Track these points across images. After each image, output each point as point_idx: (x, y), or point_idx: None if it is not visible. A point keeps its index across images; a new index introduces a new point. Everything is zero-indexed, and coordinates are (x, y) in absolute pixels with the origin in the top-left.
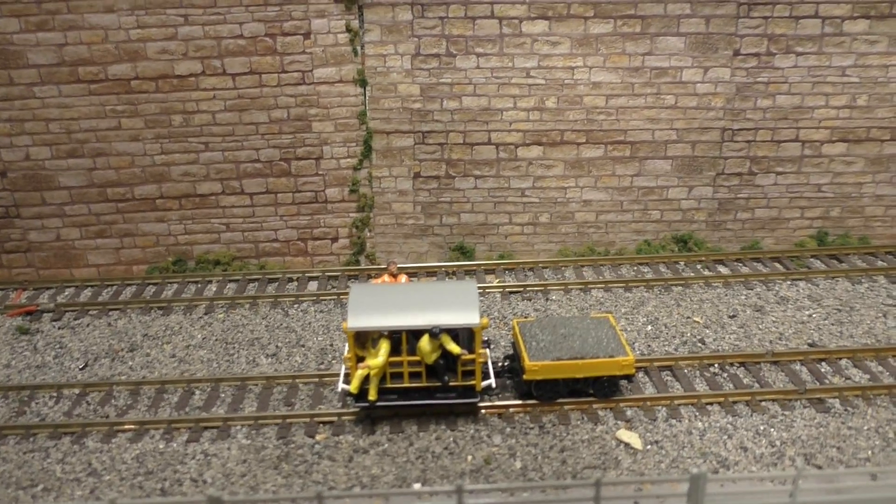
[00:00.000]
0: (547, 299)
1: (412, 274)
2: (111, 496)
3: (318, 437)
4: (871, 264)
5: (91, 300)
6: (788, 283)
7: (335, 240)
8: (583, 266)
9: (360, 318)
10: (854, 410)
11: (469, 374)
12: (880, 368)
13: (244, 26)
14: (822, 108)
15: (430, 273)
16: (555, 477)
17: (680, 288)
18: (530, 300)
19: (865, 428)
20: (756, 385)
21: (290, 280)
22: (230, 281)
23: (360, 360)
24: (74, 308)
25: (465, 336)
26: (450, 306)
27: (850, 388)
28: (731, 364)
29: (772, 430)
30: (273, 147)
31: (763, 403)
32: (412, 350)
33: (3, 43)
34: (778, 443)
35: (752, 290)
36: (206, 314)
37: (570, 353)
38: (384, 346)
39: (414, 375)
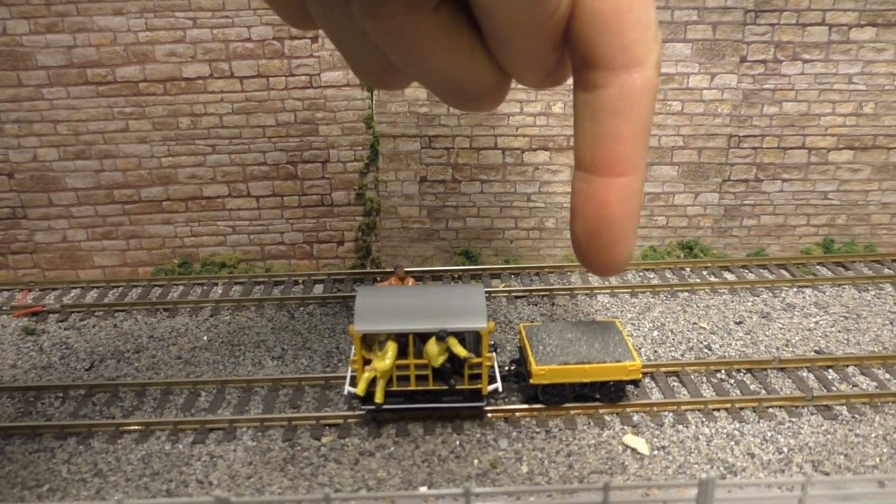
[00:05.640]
0: (553, 304)
1: (418, 278)
2: (117, 497)
3: (324, 440)
4: (878, 272)
5: (97, 301)
6: (795, 289)
7: (341, 243)
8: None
9: (367, 321)
10: (861, 418)
11: (476, 377)
12: (887, 376)
13: (252, 29)
14: (828, 116)
15: (436, 277)
16: (561, 481)
17: (686, 294)
18: (536, 305)
19: (873, 435)
20: (763, 391)
21: (296, 283)
22: (236, 283)
23: (367, 362)
24: (80, 309)
25: (472, 340)
26: (457, 310)
27: (857, 396)
28: (738, 370)
29: (779, 436)
30: (280, 150)
31: (770, 410)
32: (419, 353)
33: (11, 45)
34: (785, 449)
35: (758, 296)
36: (211, 316)
37: (577, 358)
38: (391, 349)
39: (420, 378)
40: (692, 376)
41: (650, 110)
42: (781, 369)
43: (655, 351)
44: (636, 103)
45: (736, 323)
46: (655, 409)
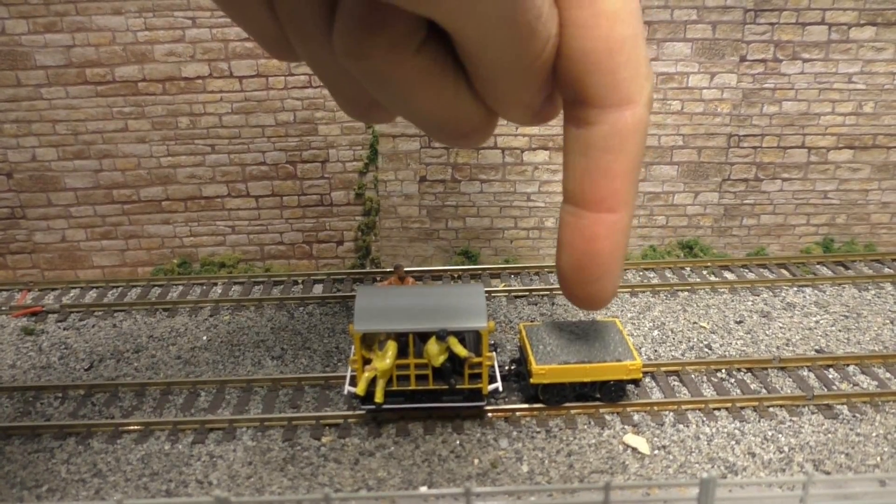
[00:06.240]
0: (553, 303)
1: (418, 277)
2: (117, 497)
3: (323, 440)
4: (878, 271)
5: (96, 301)
6: (795, 289)
7: (340, 243)
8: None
9: (367, 321)
10: (862, 417)
11: (476, 377)
12: (888, 375)
13: None
14: (828, 115)
15: (436, 277)
16: (562, 481)
17: (686, 293)
18: (536, 304)
19: (874, 434)
20: (763, 391)
21: (296, 283)
22: (235, 283)
23: (367, 362)
24: (79, 309)
25: (472, 339)
26: (457, 309)
27: (858, 395)
28: (738, 370)
29: (780, 435)
30: (279, 150)
31: (770, 409)
32: (419, 353)
33: (10, 44)
34: (786, 448)
35: (758, 295)
36: (211, 316)
37: (578, 357)
38: (391, 349)
39: (420, 378)
40: (692, 375)
41: (641, 147)
42: (782, 368)
43: (656, 350)
44: (627, 140)
45: (736, 322)
46: (656, 408)
